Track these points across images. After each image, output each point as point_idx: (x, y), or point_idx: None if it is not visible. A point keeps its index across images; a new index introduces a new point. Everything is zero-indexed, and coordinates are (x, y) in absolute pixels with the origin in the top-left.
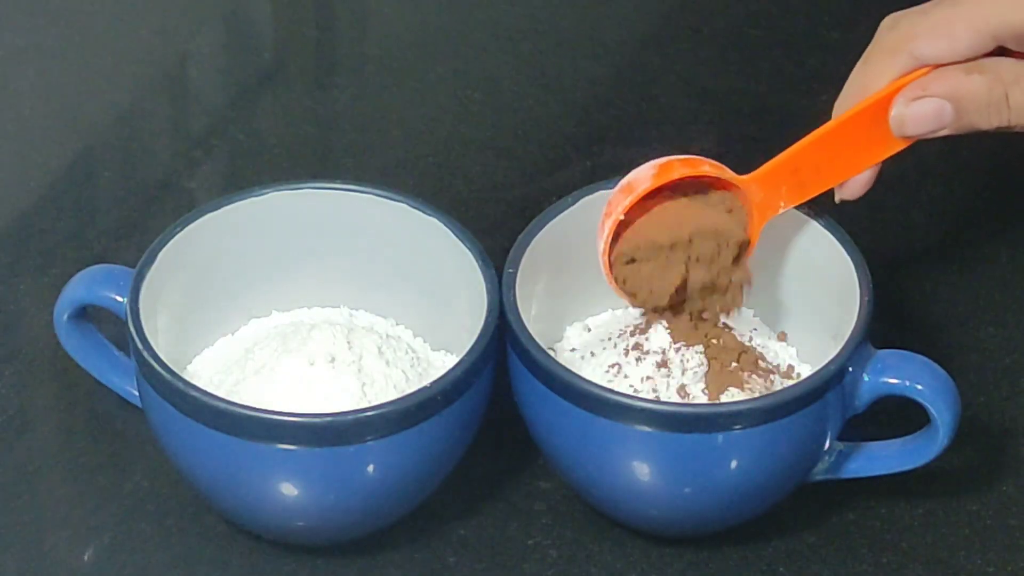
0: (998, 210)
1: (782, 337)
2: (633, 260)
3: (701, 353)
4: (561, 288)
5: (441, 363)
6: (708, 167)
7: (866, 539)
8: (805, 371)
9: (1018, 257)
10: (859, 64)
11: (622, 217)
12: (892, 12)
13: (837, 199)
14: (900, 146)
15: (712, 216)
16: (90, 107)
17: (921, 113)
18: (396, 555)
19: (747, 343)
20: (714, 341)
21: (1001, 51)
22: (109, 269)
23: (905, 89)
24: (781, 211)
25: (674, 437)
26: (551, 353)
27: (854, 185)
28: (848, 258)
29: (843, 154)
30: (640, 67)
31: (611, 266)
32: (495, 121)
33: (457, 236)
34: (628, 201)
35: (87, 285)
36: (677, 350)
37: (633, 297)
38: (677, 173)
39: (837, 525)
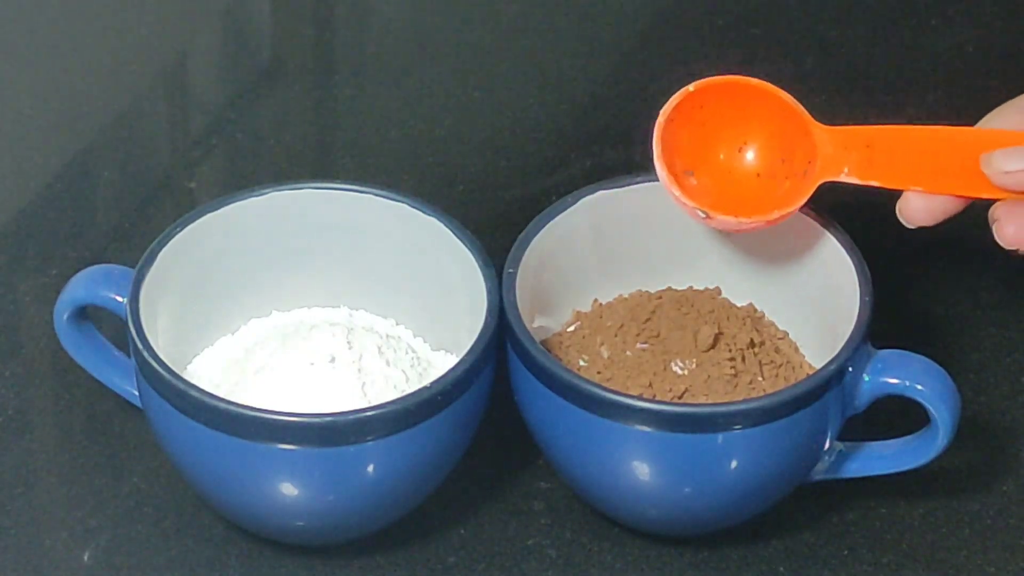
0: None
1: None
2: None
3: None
4: (561, 288)
5: (441, 363)
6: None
7: (866, 539)
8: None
9: (1018, 257)
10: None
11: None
12: (889, 13)
13: (899, 215)
14: (980, 193)
15: None
16: (90, 107)
17: (1015, 155)
18: (396, 555)
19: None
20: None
21: None
22: (109, 269)
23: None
24: (842, 178)
25: (674, 437)
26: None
27: (916, 207)
28: (848, 258)
29: (925, 159)
30: (639, 66)
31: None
32: (495, 121)
33: (457, 236)
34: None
35: (87, 285)
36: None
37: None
38: (755, 80)
39: (837, 525)
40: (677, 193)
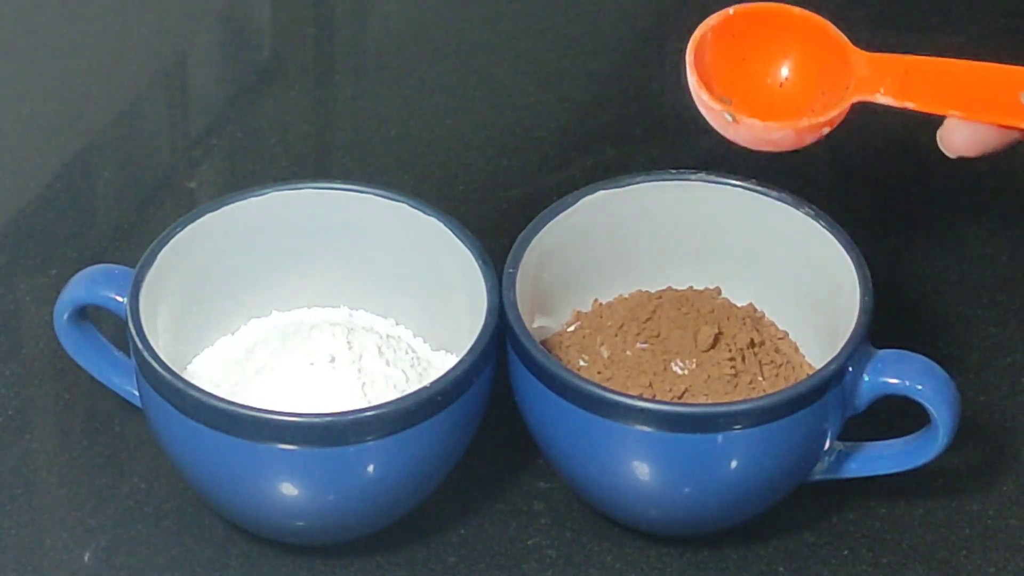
0: (999, 209)
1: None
2: None
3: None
4: (561, 288)
5: (441, 363)
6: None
7: (866, 539)
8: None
9: (1019, 256)
10: None
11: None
12: (889, 13)
13: (940, 143)
14: (1020, 121)
15: None
16: (90, 107)
17: None
18: (396, 555)
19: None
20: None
21: None
22: (109, 269)
23: None
24: (879, 98)
25: (674, 437)
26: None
27: (959, 134)
28: (848, 258)
29: (964, 88)
30: (640, 65)
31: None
32: (495, 120)
33: (457, 236)
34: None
35: (87, 285)
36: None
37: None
38: (797, 9)
39: (837, 525)
40: (705, 97)
